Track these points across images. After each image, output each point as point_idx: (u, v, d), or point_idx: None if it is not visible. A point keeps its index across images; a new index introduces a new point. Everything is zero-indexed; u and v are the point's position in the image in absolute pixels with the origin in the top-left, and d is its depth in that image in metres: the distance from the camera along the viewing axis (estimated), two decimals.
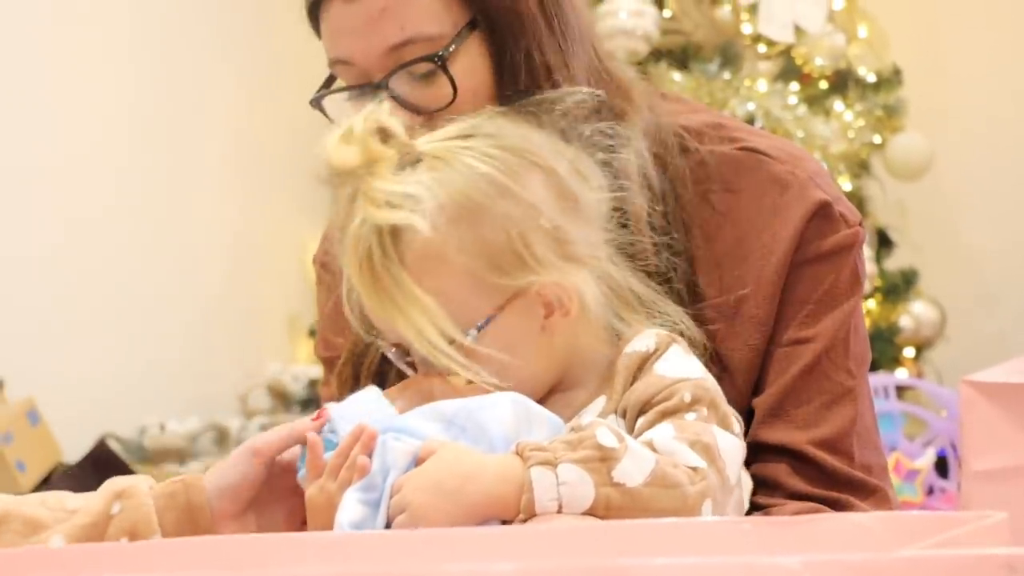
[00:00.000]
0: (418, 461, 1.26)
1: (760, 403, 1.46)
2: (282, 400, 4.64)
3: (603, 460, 1.22)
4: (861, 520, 1.09)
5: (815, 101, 4.24)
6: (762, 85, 4.14)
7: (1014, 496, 2.53)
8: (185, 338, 4.55)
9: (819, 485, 1.44)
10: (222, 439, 4.47)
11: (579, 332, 1.39)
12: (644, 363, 1.35)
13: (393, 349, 1.39)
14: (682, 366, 1.34)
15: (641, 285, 1.42)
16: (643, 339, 1.37)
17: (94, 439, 4.16)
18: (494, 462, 1.24)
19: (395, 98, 1.44)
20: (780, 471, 1.44)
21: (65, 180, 4.27)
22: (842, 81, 4.37)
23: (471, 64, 1.45)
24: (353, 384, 1.54)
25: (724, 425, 1.31)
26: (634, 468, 1.22)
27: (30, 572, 1.03)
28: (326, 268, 1.63)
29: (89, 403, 4.22)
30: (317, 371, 4.64)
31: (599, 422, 1.27)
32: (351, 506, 1.25)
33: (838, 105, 4.31)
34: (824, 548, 1.05)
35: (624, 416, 1.33)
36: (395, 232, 1.32)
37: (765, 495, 1.43)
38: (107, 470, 3.80)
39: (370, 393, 1.38)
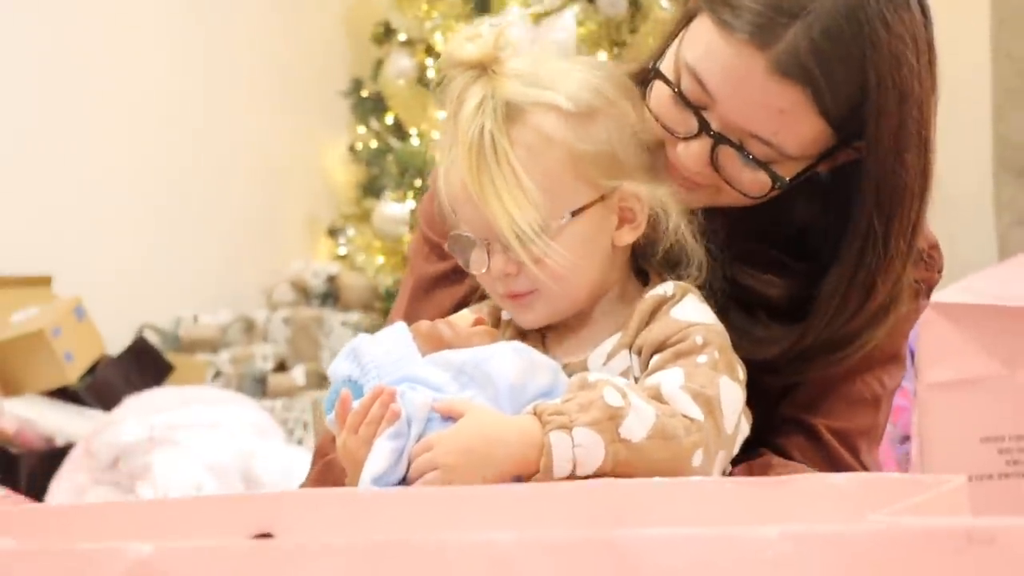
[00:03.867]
0: (444, 415, 1.26)
1: (800, 384, 1.47)
2: (303, 294, 4.65)
3: (611, 419, 1.23)
4: (835, 481, 1.09)
5: None
6: None
7: (962, 404, 2.53)
8: (216, 238, 4.58)
9: (820, 466, 1.45)
10: (249, 329, 4.48)
11: (624, 263, 1.39)
12: (660, 306, 1.35)
13: (471, 241, 1.35)
14: (696, 312, 1.35)
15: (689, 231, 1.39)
16: (663, 286, 1.37)
17: (134, 331, 4.18)
18: (516, 426, 1.25)
19: (720, 146, 1.36)
20: (791, 445, 1.46)
21: (110, 98, 4.31)
22: None
23: (767, 190, 1.38)
24: None
25: (730, 370, 1.32)
26: (637, 424, 1.24)
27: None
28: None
29: (129, 298, 4.27)
30: (334, 268, 4.64)
31: (605, 380, 1.27)
32: (380, 455, 1.24)
33: None
34: (800, 510, 1.04)
35: (639, 353, 1.34)
36: (515, 111, 1.31)
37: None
38: (146, 361, 3.82)
39: (398, 331, 1.36)
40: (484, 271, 1.36)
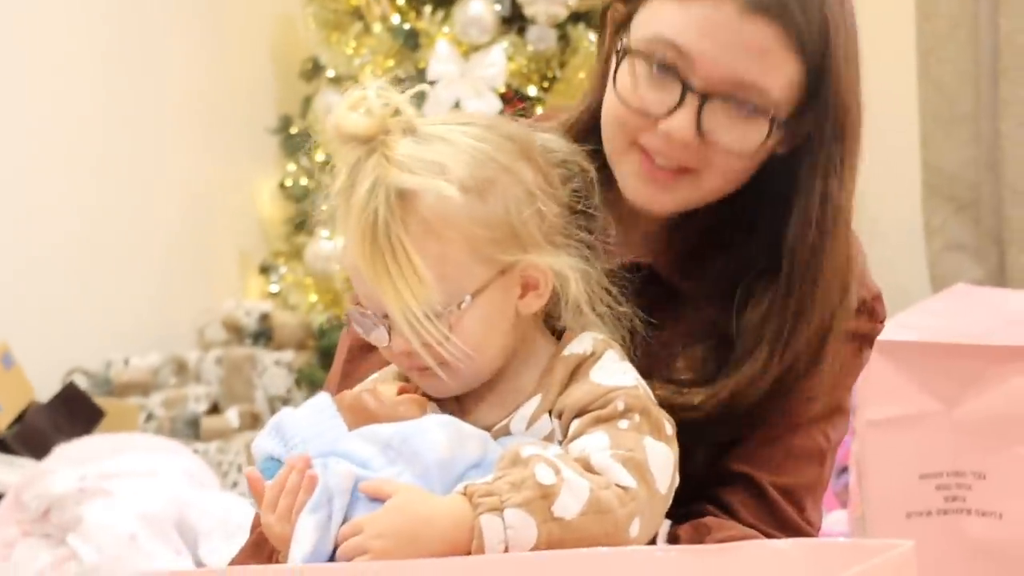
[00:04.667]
0: (372, 496, 1.24)
1: (743, 437, 1.46)
2: (236, 333, 4.61)
3: (544, 498, 1.22)
4: (780, 547, 1.07)
5: None
6: None
7: (901, 441, 2.53)
8: (146, 277, 4.53)
9: (769, 525, 1.44)
10: (181, 370, 4.43)
11: (535, 322, 1.37)
12: (580, 365, 1.33)
13: (371, 318, 1.34)
14: (617, 374, 1.32)
15: (607, 282, 1.38)
16: (580, 342, 1.35)
17: (63, 374, 4.12)
18: (447, 508, 1.23)
19: (704, 107, 1.36)
20: (736, 500, 1.45)
21: (29, 127, 4.21)
22: None
23: (764, 144, 1.40)
24: None
25: (656, 430, 1.30)
26: (571, 500, 1.22)
27: None
28: None
29: (57, 339, 4.22)
30: (267, 306, 4.61)
31: (538, 456, 1.25)
32: (305, 532, 1.22)
33: None
34: None
35: (559, 417, 1.32)
36: (408, 196, 1.28)
37: (718, 516, 1.44)
38: (76, 407, 3.76)
39: (322, 402, 1.34)
40: (386, 347, 1.34)
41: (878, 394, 2.48)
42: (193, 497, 3.18)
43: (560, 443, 1.31)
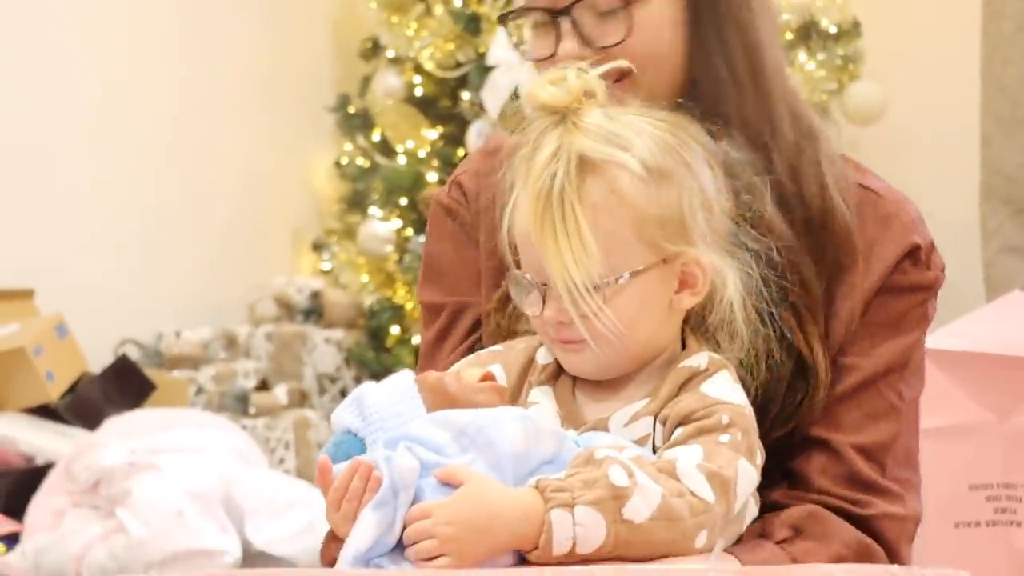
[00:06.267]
0: (443, 481, 1.25)
1: (809, 402, 1.45)
2: (287, 309, 4.63)
3: (615, 499, 1.23)
4: (834, 572, 1.07)
5: None
6: None
7: (951, 451, 2.52)
8: (199, 252, 4.56)
9: (846, 486, 1.44)
10: (231, 345, 4.46)
11: (678, 325, 1.38)
12: (692, 378, 1.35)
13: (529, 285, 1.35)
14: (727, 391, 1.34)
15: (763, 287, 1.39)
16: (697, 357, 1.36)
17: (115, 345, 4.16)
18: (518, 500, 1.24)
19: (575, 25, 1.42)
20: (812, 466, 1.44)
21: (94, 111, 4.29)
22: (806, 33, 4.32)
23: (659, 22, 1.42)
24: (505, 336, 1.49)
25: (750, 454, 1.32)
26: (642, 504, 1.23)
27: None
28: (451, 214, 1.58)
29: (110, 311, 4.26)
30: (318, 284, 4.63)
31: (612, 457, 1.26)
32: (366, 527, 1.22)
33: (801, 56, 4.26)
34: None
35: (664, 423, 1.33)
36: (588, 165, 1.31)
37: (791, 489, 1.44)
38: (128, 380, 3.80)
39: (405, 380, 1.34)
40: (538, 315, 1.35)
41: (929, 403, 2.45)
42: (241, 475, 3.21)
43: (655, 449, 1.32)
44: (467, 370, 1.39)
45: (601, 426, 1.34)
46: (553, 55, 1.43)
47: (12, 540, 3.25)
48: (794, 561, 1.35)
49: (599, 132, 1.32)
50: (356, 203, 4.67)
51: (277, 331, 4.50)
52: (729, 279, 1.36)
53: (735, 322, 1.37)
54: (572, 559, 1.22)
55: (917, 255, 1.48)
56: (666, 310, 1.35)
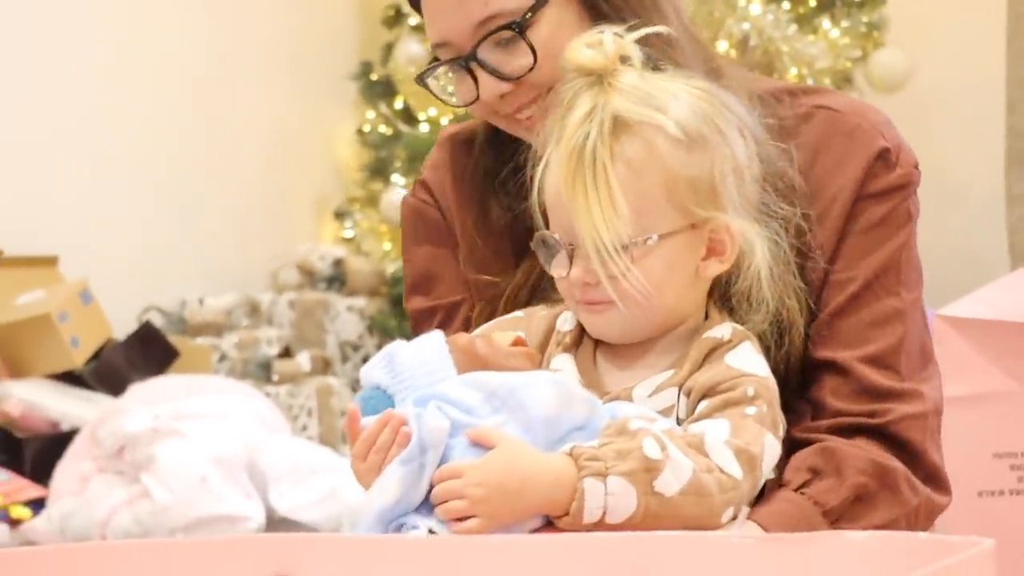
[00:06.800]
0: (475, 442, 1.24)
1: (814, 325, 1.46)
2: (309, 277, 4.64)
3: (647, 471, 1.23)
4: (857, 539, 1.07)
5: (804, 20, 4.17)
6: (756, 8, 4.06)
7: (974, 419, 2.51)
8: (222, 220, 4.56)
9: (861, 401, 1.43)
10: (254, 312, 4.47)
11: (704, 293, 1.38)
12: (715, 349, 1.34)
13: (556, 245, 1.35)
14: (751, 362, 1.34)
15: (791, 257, 1.41)
16: (720, 328, 1.36)
17: (139, 311, 4.18)
18: (550, 466, 1.24)
19: (483, 66, 1.45)
20: (824, 391, 1.44)
21: (117, 79, 4.29)
22: (830, 0, 4.29)
23: (555, 32, 1.44)
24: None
25: (774, 427, 1.32)
26: (673, 478, 1.24)
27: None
28: (422, 216, 1.61)
29: (134, 278, 4.27)
30: (341, 252, 4.63)
31: (646, 430, 1.25)
32: (390, 483, 1.22)
33: (825, 23, 4.23)
34: (820, 571, 1.03)
35: (688, 395, 1.33)
36: (621, 125, 1.31)
37: (809, 419, 1.44)
38: (152, 346, 3.81)
39: (436, 340, 1.34)
40: (564, 275, 1.35)
41: (952, 371, 2.44)
42: (264, 441, 3.22)
43: (680, 421, 1.32)
44: (498, 333, 1.39)
45: (625, 396, 1.34)
46: (477, 97, 1.46)
47: (38, 505, 3.27)
48: (816, 504, 1.36)
49: (635, 93, 1.32)
50: (378, 171, 4.67)
51: (300, 298, 4.51)
52: (757, 247, 1.35)
53: (761, 291, 1.37)
54: (601, 528, 1.22)
55: (887, 156, 1.48)
56: (692, 276, 1.35)
